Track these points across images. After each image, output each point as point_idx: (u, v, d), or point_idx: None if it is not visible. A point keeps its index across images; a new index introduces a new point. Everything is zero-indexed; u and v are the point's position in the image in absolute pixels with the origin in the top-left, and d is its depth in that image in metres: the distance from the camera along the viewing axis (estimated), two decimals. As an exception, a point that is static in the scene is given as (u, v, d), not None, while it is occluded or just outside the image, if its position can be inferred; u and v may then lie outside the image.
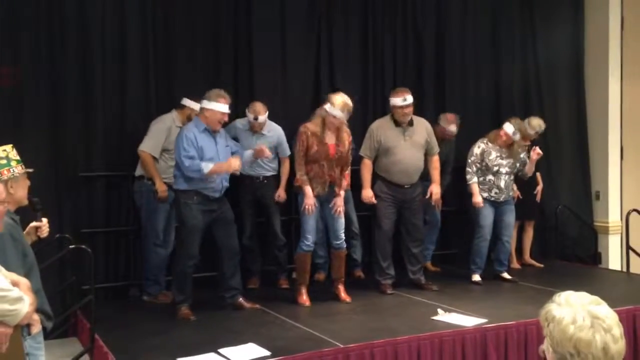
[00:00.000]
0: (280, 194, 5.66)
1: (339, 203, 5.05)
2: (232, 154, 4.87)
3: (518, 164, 5.86)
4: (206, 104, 4.69)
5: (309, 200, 4.95)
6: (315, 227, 5.08)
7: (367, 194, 5.43)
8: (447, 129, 6.15)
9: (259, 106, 5.48)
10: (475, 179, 5.74)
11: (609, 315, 1.66)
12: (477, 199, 5.71)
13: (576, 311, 1.65)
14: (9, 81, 5.06)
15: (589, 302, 1.68)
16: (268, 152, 5.01)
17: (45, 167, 5.09)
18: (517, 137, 5.74)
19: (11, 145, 3.02)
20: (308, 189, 4.95)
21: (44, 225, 3.20)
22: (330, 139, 4.96)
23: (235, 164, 4.65)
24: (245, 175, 5.48)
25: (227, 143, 4.90)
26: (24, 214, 3.08)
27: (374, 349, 3.90)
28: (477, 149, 5.78)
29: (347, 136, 5.07)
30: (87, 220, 5.37)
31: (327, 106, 4.90)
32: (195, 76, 5.76)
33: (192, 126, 4.74)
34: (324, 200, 5.08)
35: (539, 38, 7.34)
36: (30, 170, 3.13)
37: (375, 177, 5.52)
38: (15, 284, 2.54)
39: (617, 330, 1.65)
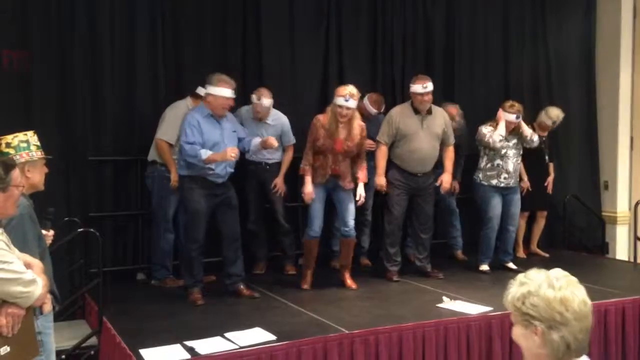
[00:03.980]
0: (278, 183, 5.59)
1: (361, 193, 5.06)
2: (240, 140, 4.86)
3: (524, 143, 5.78)
4: (209, 89, 4.64)
5: (306, 189, 4.99)
6: (321, 214, 5.10)
7: (381, 181, 5.40)
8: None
9: (264, 90, 5.46)
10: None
11: (567, 274, 1.77)
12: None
13: (546, 278, 1.74)
14: (20, 66, 5.06)
15: (546, 272, 1.78)
16: (276, 144, 4.94)
17: (54, 150, 5.10)
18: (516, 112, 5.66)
19: (33, 131, 3.09)
20: (307, 179, 4.99)
21: (50, 235, 3.24)
22: (340, 133, 4.95)
23: (230, 153, 4.54)
24: (250, 160, 5.49)
25: (235, 129, 4.87)
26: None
27: (379, 335, 3.92)
28: (485, 128, 5.72)
29: (359, 130, 5.04)
30: (95, 204, 5.41)
31: (335, 99, 4.92)
32: (203, 65, 5.72)
33: (195, 112, 4.73)
34: (331, 189, 5.09)
35: (550, 27, 7.28)
36: (50, 157, 3.17)
37: (389, 164, 5.49)
38: (28, 265, 2.58)
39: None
